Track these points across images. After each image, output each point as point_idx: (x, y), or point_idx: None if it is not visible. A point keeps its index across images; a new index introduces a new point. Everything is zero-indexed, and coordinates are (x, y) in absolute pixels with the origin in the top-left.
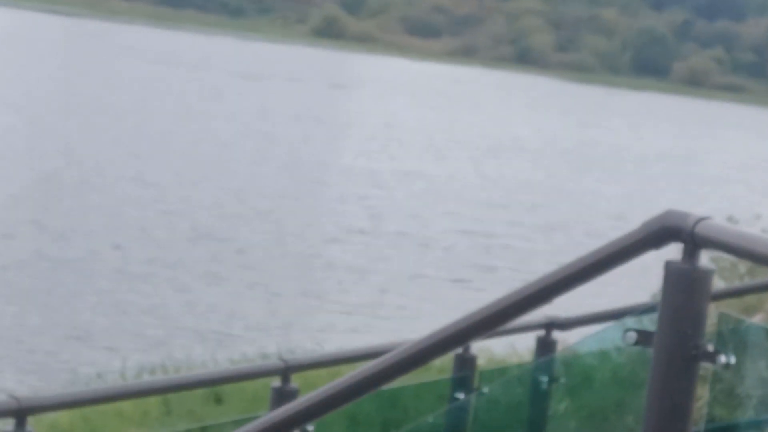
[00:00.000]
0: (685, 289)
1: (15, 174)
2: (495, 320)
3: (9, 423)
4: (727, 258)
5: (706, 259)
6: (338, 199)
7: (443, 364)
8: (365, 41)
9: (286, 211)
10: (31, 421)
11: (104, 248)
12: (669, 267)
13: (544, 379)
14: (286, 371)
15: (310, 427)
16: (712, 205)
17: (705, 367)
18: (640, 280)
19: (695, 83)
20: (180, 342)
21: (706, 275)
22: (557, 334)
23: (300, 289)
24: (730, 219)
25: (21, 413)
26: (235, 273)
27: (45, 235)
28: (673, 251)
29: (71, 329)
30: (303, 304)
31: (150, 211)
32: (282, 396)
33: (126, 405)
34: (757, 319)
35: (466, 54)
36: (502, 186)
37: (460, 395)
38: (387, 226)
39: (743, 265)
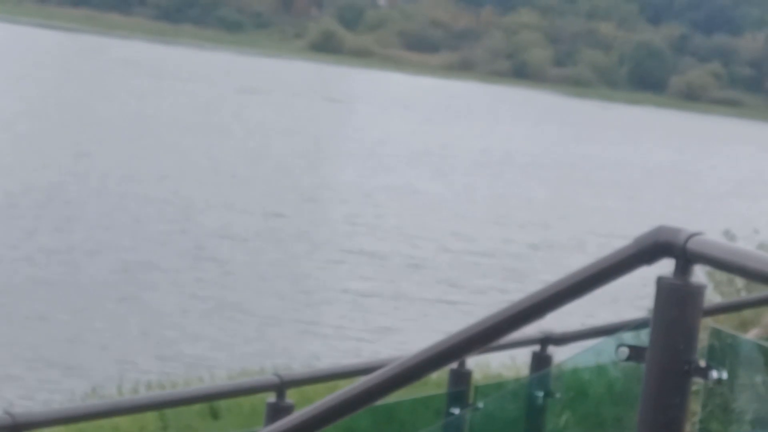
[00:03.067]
0: (677, 304)
1: (5, 187)
2: (489, 335)
3: None
4: (723, 272)
5: (699, 274)
6: (332, 217)
7: (439, 379)
8: (363, 56)
9: (279, 229)
10: None
11: (96, 268)
12: (661, 282)
13: (540, 393)
14: (281, 387)
15: None
16: (708, 220)
17: (698, 382)
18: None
19: (692, 97)
20: (157, 368)
21: (698, 291)
22: (552, 349)
23: (291, 312)
24: (726, 234)
25: (16, 429)
26: (222, 294)
27: (32, 252)
28: (667, 266)
29: (33, 356)
30: (293, 328)
31: (142, 227)
32: (277, 411)
33: (123, 420)
34: (753, 334)
35: (464, 68)
36: (498, 202)
37: (456, 410)
38: (381, 245)
39: (740, 280)
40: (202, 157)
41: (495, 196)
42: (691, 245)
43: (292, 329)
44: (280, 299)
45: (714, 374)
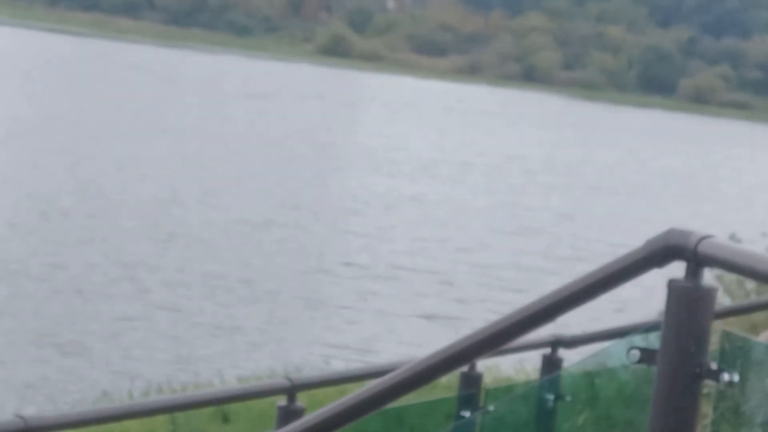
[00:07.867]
0: (688, 307)
1: (10, 194)
2: (500, 338)
3: None
4: (734, 275)
5: (710, 277)
6: (338, 224)
7: (449, 382)
8: (372, 59)
9: (287, 238)
10: None
11: (97, 278)
12: (672, 285)
13: (550, 397)
14: (292, 390)
15: None
16: (718, 223)
17: (709, 384)
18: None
19: (701, 100)
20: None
21: (709, 293)
22: (563, 352)
23: (296, 324)
24: (732, 237)
25: None
26: (209, 306)
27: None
28: (678, 269)
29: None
30: (298, 341)
31: (139, 236)
32: (288, 415)
33: (133, 424)
34: (764, 336)
35: (473, 72)
36: (508, 209)
37: (466, 413)
38: (386, 255)
39: (750, 282)
40: (206, 161)
41: (504, 202)
42: (702, 248)
43: (296, 342)
44: (285, 310)
45: (725, 377)
